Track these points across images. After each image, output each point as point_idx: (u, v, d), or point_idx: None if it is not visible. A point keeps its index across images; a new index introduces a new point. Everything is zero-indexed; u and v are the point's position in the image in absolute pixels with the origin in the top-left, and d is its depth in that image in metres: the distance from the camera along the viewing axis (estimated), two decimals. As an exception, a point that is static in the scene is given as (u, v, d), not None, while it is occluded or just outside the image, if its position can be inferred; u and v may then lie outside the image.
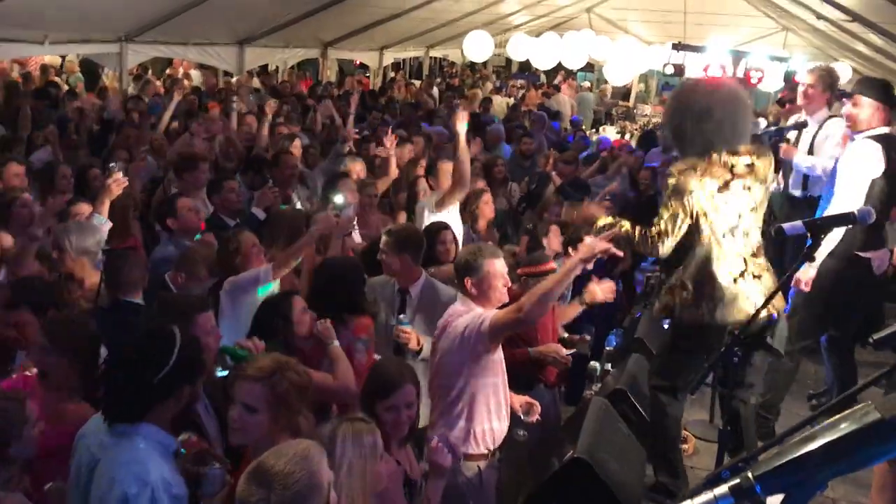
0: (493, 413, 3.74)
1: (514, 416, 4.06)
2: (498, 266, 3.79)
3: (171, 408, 2.68)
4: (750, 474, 1.24)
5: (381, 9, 13.06)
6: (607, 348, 5.29)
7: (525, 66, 19.43)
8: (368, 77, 17.29)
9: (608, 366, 5.15)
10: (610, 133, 14.97)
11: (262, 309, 3.94)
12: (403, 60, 20.15)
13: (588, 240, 3.72)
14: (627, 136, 14.55)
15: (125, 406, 2.61)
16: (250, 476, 2.17)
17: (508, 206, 7.80)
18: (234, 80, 12.58)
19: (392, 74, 18.55)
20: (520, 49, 16.02)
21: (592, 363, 5.11)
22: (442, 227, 5.23)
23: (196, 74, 14.50)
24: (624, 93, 20.12)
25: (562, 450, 4.24)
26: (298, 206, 6.36)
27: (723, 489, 1.26)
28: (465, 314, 3.71)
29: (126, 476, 2.49)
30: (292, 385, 2.74)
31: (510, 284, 3.91)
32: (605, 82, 18.63)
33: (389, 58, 17.31)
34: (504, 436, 3.85)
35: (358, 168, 6.72)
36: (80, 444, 2.73)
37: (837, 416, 1.20)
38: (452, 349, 3.68)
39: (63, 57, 13.19)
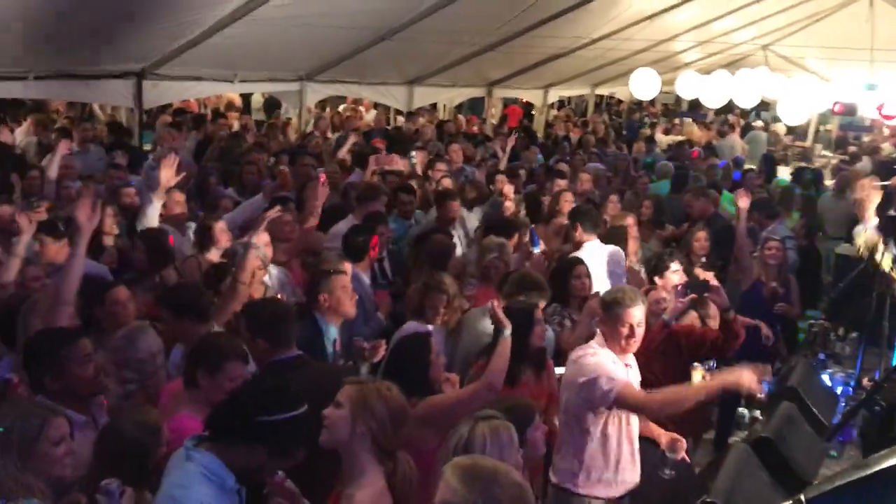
0: (610, 462, 3.78)
1: (658, 453, 4.03)
2: (632, 314, 3.84)
3: (246, 456, 2.65)
4: (803, 497, 1.22)
5: (548, 48, 13.22)
6: (759, 395, 5.09)
7: (694, 104, 18.96)
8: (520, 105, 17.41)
9: (757, 413, 4.94)
10: (784, 175, 14.30)
11: (400, 345, 4.11)
12: (569, 98, 20.21)
13: (745, 374, 3.82)
14: (802, 178, 13.81)
15: (215, 428, 2.68)
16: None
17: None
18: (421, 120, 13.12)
19: (556, 112, 18.67)
20: (689, 87, 15.69)
21: (741, 409, 4.94)
22: (576, 261, 5.29)
23: (367, 112, 15.26)
24: (801, 132, 19.16)
25: (697, 494, 4.11)
26: (459, 249, 6.50)
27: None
28: (593, 357, 3.77)
29: (164, 496, 2.61)
30: (380, 394, 2.84)
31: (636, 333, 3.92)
32: (778, 121, 17.85)
33: (554, 95, 17.44)
34: (629, 487, 3.86)
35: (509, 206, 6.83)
36: None
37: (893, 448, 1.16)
38: (573, 387, 3.76)
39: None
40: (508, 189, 7.41)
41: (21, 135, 9.66)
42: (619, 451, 4.04)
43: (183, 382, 3.56)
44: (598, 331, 4.06)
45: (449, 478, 2.31)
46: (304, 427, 2.70)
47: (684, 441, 4.03)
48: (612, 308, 3.95)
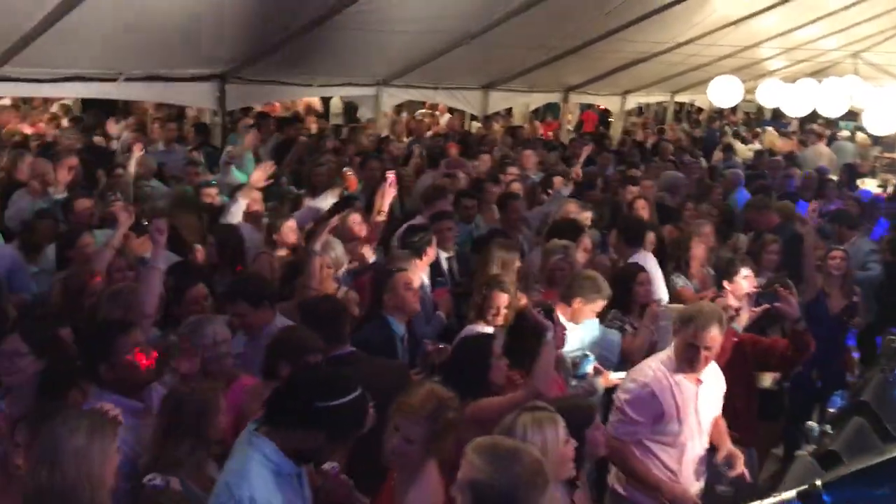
0: (674, 473, 3.78)
1: (714, 468, 3.98)
2: (703, 336, 3.81)
3: (304, 441, 2.74)
4: (819, 482, 1.22)
5: (627, 53, 13.08)
6: (830, 409, 4.95)
7: (777, 113, 18.46)
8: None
9: (828, 427, 4.80)
10: (870, 186, 13.80)
11: (462, 346, 4.15)
12: (647, 105, 19.95)
13: None
14: (890, 190, 13.33)
15: (272, 415, 2.76)
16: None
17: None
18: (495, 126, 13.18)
19: (634, 119, 18.45)
20: (771, 95, 15.27)
21: (810, 423, 4.81)
22: (637, 268, 5.26)
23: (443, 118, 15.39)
24: (889, 143, 18.44)
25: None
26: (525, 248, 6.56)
27: (791, 493, 1.25)
28: (656, 372, 3.79)
29: (222, 483, 2.72)
30: (449, 423, 2.91)
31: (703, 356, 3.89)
32: (863, 131, 17.22)
33: (632, 102, 17.24)
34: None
35: (572, 209, 6.82)
36: None
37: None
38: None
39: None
40: (559, 181, 7.39)
41: (118, 131, 10.10)
42: (681, 462, 3.99)
43: (263, 374, 3.74)
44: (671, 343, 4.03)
45: (470, 456, 2.40)
46: (360, 411, 2.77)
47: (741, 455, 3.95)
48: (685, 326, 3.90)
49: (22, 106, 10.98)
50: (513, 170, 8.55)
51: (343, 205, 6.03)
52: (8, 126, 10.11)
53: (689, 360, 3.90)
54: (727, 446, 4.12)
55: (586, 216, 6.73)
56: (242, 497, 2.64)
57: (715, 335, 3.89)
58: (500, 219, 6.90)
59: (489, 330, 4.45)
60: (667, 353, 4.03)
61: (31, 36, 7.00)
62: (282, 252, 5.58)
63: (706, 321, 3.86)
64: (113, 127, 10.39)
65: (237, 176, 7.46)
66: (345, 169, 6.68)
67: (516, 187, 7.77)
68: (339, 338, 3.96)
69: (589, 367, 4.51)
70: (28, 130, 9.82)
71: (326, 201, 6.38)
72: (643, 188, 8.19)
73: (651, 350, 4.62)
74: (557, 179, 7.98)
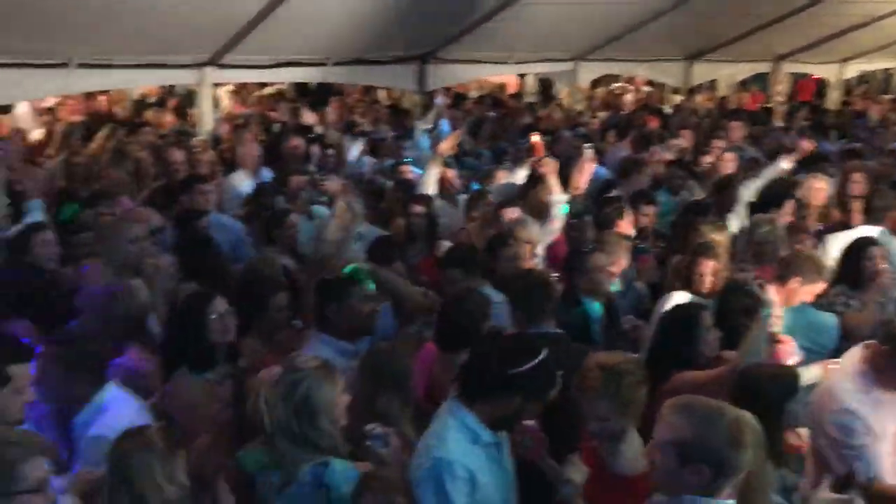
0: None
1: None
2: None
3: (503, 407, 2.83)
4: None
5: (847, 16, 12.02)
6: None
7: None
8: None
9: None
10: None
11: (671, 316, 3.99)
12: (872, 73, 18.21)
13: None
14: None
15: (468, 387, 2.87)
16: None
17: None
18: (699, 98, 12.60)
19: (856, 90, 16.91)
20: None
21: None
22: (869, 241, 4.80)
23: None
24: None
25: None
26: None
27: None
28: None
29: (423, 445, 2.86)
30: (632, 388, 2.91)
31: None
32: None
33: (852, 70, 15.82)
34: None
35: (816, 185, 6.37)
36: None
37: None
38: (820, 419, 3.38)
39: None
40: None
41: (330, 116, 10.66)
42: None
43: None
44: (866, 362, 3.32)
45: (670, 416, 2.36)
46: (550, 369, 2.86)
47: None
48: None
49: (241, 91, 11.81)
50: (718, 142, 8.13)
51: (535, 179, 6.00)
52: (229, 110, 10.96)
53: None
54: None
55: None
56: (440, 458, 2.77)
57: None
58: (715, 202, 6.55)
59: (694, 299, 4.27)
60: (854, 373, 3.33)
61: (248, 28, 7.59)
62: (477, 227, 5.65)
63: None
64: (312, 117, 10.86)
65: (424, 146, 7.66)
66: (532, 136, 6.67)
67: (728, 159, 7.34)
68: (537, 313, 3.92)
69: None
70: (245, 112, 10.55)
71: (519, 175, 6.41)
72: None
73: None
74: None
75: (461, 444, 2.81)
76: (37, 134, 8.92)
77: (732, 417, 2.35)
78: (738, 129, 9.10)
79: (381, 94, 12.69)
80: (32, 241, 4.66)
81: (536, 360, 2.82)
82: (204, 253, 4.83)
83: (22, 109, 9.48)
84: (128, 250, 4.54)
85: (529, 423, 3.00)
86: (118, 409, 3.10)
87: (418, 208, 5.60)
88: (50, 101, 9.75)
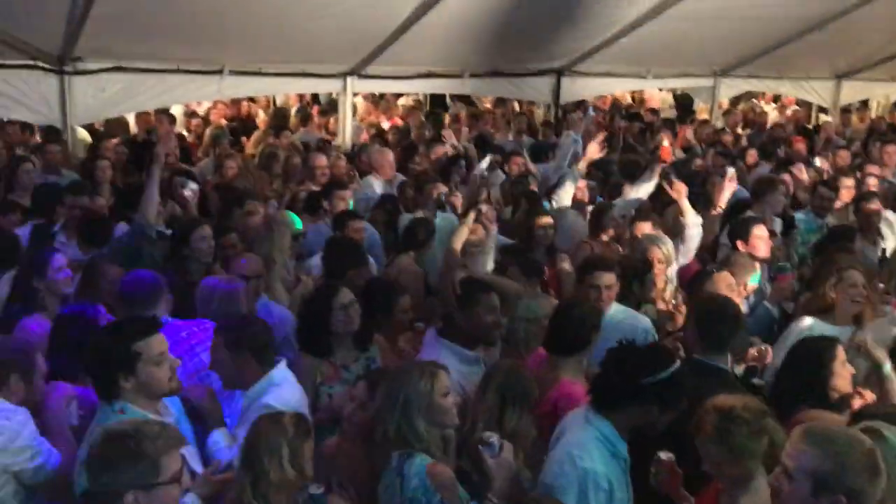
0: None
1: None
2: None
3: (639, 416, 2.91)
4: None
5: None
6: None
7: None
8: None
9: None
10: None
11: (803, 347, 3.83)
12: None
13: None
14: None
15: (607, 394, 2.94)
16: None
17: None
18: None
19: None
20: None
21: None
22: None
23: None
24: None
25: None
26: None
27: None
28: None
29: (562, 454, 2.90)
30: (745, 435, 2.75)
31: None
32: None
33: None
34: None
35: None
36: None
37: None
38: None
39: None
40: None
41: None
42: None
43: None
44: None
45: (802, 445, 2.32)
46: (682, 381, 2.93)
47: None
48: None
49: (381, 102, 12.16)
50: (871, 168, 7.67)
51: (658, 195, 5.90)
52: (368, 118, 11.33)
53: None
54: None
55: None
56: (587, 469, 2.85)
57: None
58: (857, 220, 6.26)
59: (833, 331, 4.05)
60: None
61: (389, 40, 7.89)
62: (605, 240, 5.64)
63: None
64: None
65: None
66: (662, 142, 6.56)
67: (872, 183, 7.00)
68: (713, 344, 3.63)
69: None
70: (385, 123, 10.87)
71: (645, 190, 6.31)
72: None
73: None
74: None
75: (604, 456, 2.89)
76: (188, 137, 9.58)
77: (868, 446, 2.33)
78: (892, 155, 8.52)
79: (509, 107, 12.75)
80: (192, 236, 4.83)
81: (670, 370, 2.88)
82: (354, 255, 4.95)
83: (175, 112, 10.16)
84: (275, 255, 4.70)
85: (666, 456, 2.99)
86: (289, 388, 3.35)
87: (545, 220, 5.62)
88: (200, 106, 10.44)
